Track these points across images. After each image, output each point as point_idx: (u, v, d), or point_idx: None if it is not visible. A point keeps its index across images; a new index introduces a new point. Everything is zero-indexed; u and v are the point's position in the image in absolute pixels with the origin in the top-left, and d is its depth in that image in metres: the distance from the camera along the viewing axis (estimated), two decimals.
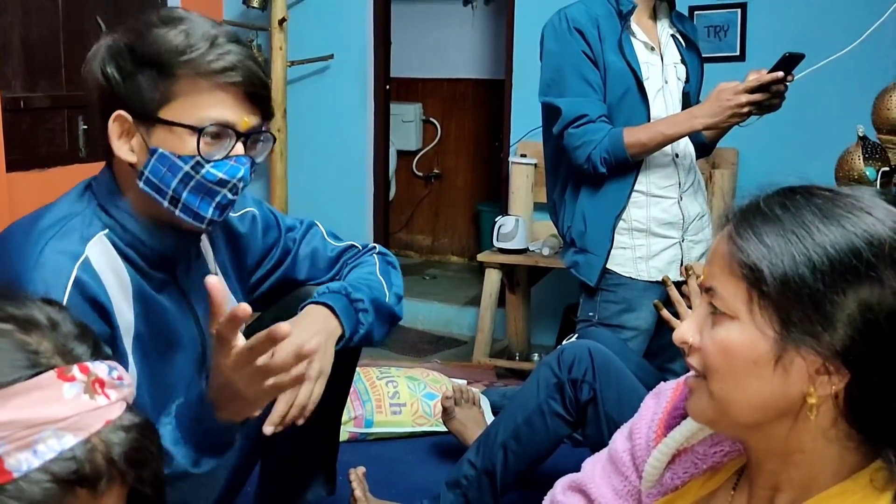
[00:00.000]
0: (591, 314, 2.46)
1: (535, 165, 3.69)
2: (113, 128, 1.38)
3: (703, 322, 0.96)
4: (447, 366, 3.50)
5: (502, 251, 3.68)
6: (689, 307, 1.79)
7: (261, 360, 1.17)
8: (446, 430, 2.48)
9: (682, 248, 2.47)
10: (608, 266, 2.42)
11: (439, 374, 2.97)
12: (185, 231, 1.45)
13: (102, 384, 0.74)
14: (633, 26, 2.41)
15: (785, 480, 0.97)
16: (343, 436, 2.56)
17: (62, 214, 1.41)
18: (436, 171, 5.69)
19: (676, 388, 1.19)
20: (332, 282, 1.66)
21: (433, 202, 5.71)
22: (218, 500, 1.63)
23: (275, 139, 1.51)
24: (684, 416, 1.11)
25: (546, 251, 3.60)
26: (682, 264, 2.43)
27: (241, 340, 1.16)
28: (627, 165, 2.36)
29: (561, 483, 1.34)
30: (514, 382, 3.29)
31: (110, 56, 1.38)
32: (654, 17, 2.48)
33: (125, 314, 1.41)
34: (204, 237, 1.59)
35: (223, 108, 1.37)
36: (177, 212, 1.40)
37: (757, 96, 2.20)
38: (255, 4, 4.07)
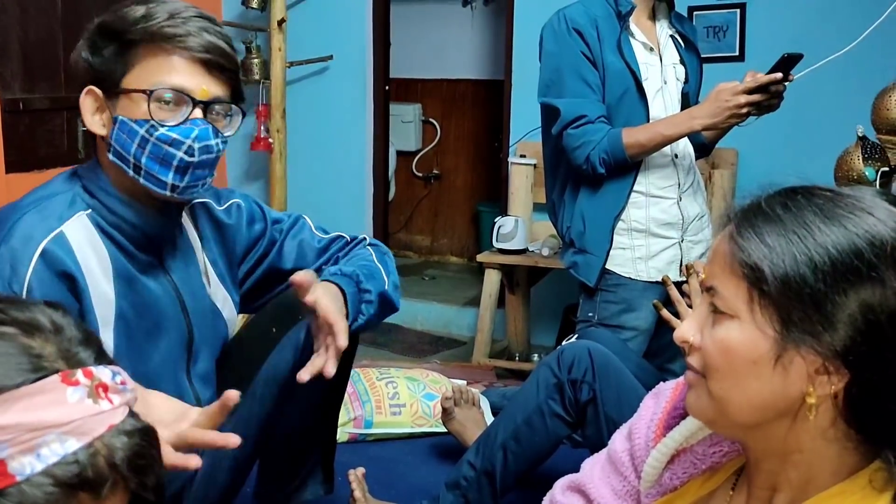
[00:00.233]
0: (590, 314, 2.46)
1: (535, 166, 3.69)
2: (85, 103, 1.42)
3: (704, 321, 0.96)
4: (447, 366, 3.49)
5: (502, 251, 3.67)
6: (690, 306, 1.80)
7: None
8: (446, 430, 2.48)
9: (681, 249, 2.47)
10: (607, 266, 2.42)
11: (439, 375, 2.96)
12: (164, 205, 1.48)
13: (106, 388, 0.74)
14: (632, 27, 2.41)
15: (783, 480, 0.97)
16: (342, 437, 2.56)
17: (46, 193, 1.45)
18: (435, 171, 5.68)
19: (676, 388, 1.19)
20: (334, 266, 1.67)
21: (432, 202, 5.71)
22: (217, 501, 1.64)
23: (244, 113, 1.52)
24: (683, 417, 1.11)
25: (545, 251, 3.59)
26: (681, 265, 2.43)
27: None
28: (626, 166, 2.36)
29: (560, 483, 1.34)
30: (513, 383, 3.28)
31: (86, 38, 1.43)
32: (653, 17, 2.48)
33: (105, 291, 1.43)
34: (191, 227, 1.61)
35: (179, 75, 1.40)
36: (140, 179, 1.42)
37: (756, 97, 2.20)
38: (254, 5, 4.07)
